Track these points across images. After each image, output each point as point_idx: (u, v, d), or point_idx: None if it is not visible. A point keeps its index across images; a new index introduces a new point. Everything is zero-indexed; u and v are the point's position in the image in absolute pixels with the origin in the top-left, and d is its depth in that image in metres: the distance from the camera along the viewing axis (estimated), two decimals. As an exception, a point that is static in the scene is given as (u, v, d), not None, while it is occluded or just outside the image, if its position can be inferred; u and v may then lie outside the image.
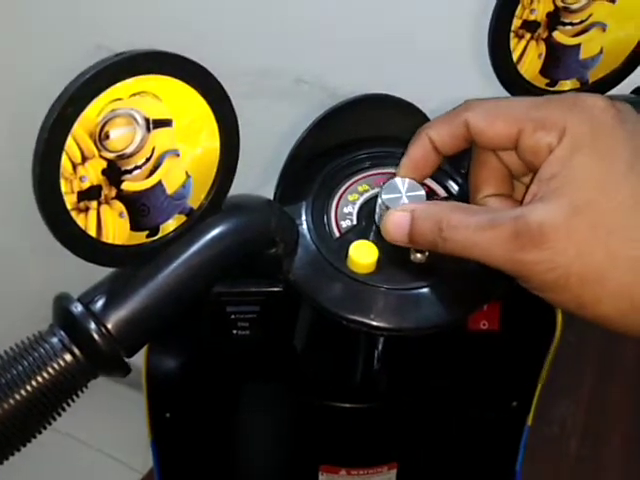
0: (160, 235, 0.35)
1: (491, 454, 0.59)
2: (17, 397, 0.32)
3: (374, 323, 0.38)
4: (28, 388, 0.33)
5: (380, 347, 0.45)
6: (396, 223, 0.37)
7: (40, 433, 0.34)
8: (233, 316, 0.42)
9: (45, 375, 0.33)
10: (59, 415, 0.34)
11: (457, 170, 0.43)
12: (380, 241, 0.40)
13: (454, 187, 0.43)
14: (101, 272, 0.36)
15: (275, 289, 0.41)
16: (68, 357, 0.33)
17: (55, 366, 0.33)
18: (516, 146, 0.36)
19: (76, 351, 0.33)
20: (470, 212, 0.35)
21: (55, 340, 0.33)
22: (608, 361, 0.82)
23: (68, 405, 0.34)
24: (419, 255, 0.39)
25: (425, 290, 0.38)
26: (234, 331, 0.43)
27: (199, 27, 0.80)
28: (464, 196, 0.41)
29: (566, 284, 0.32)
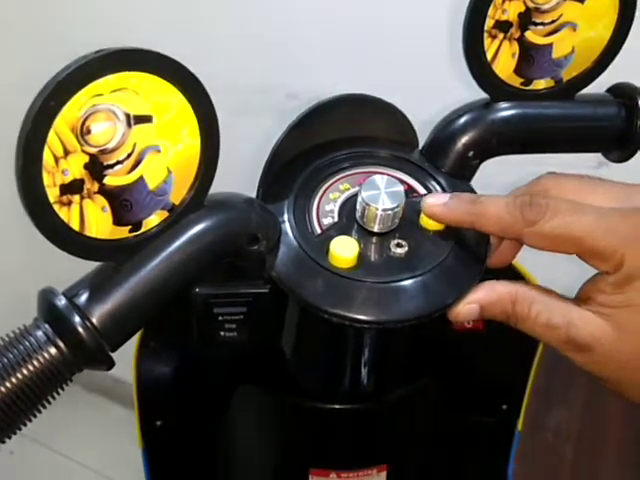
0: (143, 230, 0.36)
1: (482, 459, 0.59)
2: (1, 389, 0.33)
3: (356, 316, 0.38)
4: (13, 380, 0.33)
5: (366, 346, 0.45)
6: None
7: (25, 425, 0.34)
8: (220, 317, 0.43)
9: (30, 368, 0.33)
10: (44, 407, 0.35)
11: (437, 168, 0.44)
12: (361, 237, 0.41)
13: (434, 185, 0.44)
14: (91, 267, 0.37)
15: (262, 290, 0.42)
16: (52, 350, 0.34)
17: (40, 359, 0.33)
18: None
19: (60, 344, 0.34)
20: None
21: (40, 333, 0.34)
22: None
23: (53, 398, 0.35)
24: (399, 250, 0.40)
25: (405, 283, 0.39)
26: (221, 333, 0.43)
27: (192, 45, 0.82)
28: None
29: (603, 380, 0.38)
